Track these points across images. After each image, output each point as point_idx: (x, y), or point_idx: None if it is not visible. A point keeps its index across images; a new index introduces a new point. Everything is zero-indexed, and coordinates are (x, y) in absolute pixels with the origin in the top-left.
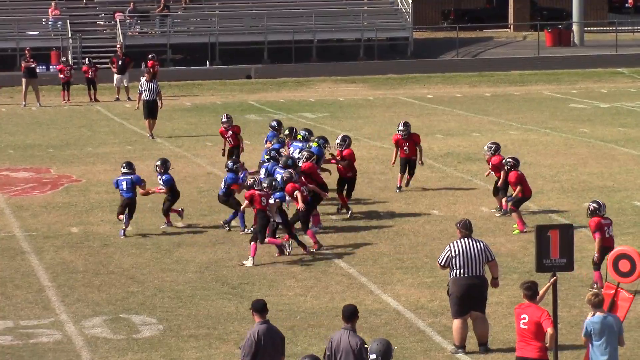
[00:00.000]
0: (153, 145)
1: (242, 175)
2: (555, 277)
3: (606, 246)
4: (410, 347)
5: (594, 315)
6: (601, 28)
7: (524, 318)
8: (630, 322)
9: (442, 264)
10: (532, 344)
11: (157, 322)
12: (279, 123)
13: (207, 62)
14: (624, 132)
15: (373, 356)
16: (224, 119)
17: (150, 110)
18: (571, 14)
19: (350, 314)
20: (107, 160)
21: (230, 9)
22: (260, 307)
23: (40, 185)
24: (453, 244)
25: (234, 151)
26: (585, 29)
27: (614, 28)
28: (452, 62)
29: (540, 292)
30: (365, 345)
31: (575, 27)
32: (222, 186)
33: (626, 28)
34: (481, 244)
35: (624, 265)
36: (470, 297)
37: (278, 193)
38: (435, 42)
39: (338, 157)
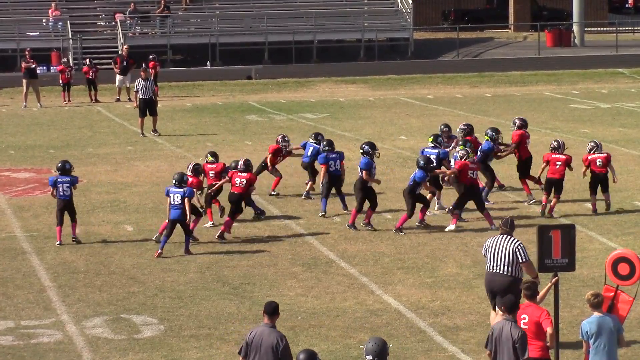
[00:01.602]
0: (154, 145)
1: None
2: (556, 277)
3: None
4: (411, 347)
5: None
6: (602, 28)
7: (524, 318)
8: (631, 322)
9: (483, 252)
10: (533, 343)
11: (158, 322)
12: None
13: (208, 63)
14: (625, 133)
15: (369, 357)
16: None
17: (146, 108)
18: (572, 15)
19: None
20: (108, 161)
21: (231, 10)
22: (267, 310)
23: (42, 186)
24: (491, 238)
25: None
26: (586, 29)
27: (615, 28)
28: (452, 62)
29: (542, 292)
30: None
31: (575, 28)
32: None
33: (627, 28)
34: (513, 244)
35: (624, 269)
36: (491, 292)
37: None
38: (435, 43)
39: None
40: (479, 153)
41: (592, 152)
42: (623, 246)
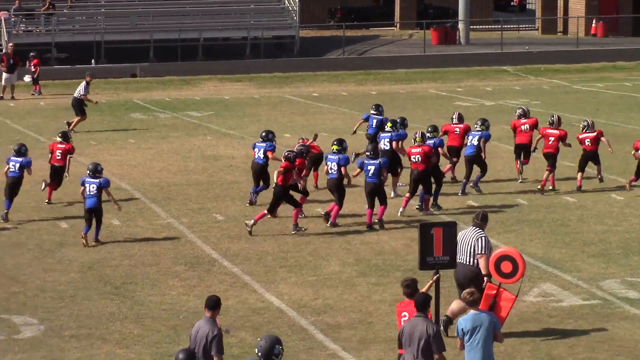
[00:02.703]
0: (37, 144)
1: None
2: (438, 275)
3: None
4: (293, 345)
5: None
6: (487, 26)
7: (405, 315)
8: (511, 320)
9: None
10: None
11: (39, 322)
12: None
13: (93, 61)
14: (508, 130)
15: (259, 353)
16: None
17: None
18: (457, 13)
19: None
20: None
21: (116, 7)
22: (207, 304)
23: None
24: (461, 231)
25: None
26: (471, 27)
27: (500, 26)
28: (338, 60)
29: (423, 290)
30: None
31: (461, 26)
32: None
33: (511, 26)
34: (476, 235)
35: (506, 267)
36: (456, 282)
37: None
38: (321, 41)
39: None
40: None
41: (583, 131)
42: (505, 244)
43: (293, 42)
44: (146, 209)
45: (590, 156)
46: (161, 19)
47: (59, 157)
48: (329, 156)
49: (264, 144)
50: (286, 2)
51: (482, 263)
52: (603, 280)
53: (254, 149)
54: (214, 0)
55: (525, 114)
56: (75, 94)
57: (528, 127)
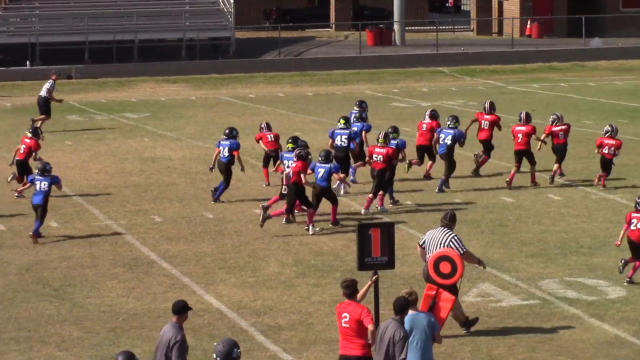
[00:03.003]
0: None
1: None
2: (376, 276)
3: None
4: None
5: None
6: (422, 27)
7: (345, 317)
8: (451, 320)
9: (420, 244)
10: (354, 341)
11: None
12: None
13: (28, 63)
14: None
15: (217, 358)
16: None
17: None
18: (392, 14)
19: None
20: None
21: (51, 9)
22: (174, 309)
23: None
24: (430, 230)
25: None
26: (407, 28)
27: (435, 27)
28: (274, 61)
29: (362, 291)
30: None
31: (396, 27)
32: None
33: (447, 27)
34: (449, 236)
35: (445, 267)
36: (426, 281)
37: None
38: (257, 42)
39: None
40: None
41: (554, 124)
42: None
43: (229, 43)
44: (84, 211)
45: (558, 149)
46: (96, 21)
47: (22, 152)
48: (285, 155)
49: (228, 142)
50: (221, 3)
51: (469, 258)
52: (542, 280)
53: (218, 146)
54: (149, 2)
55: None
56: (42, 93)
57: (488, 123)
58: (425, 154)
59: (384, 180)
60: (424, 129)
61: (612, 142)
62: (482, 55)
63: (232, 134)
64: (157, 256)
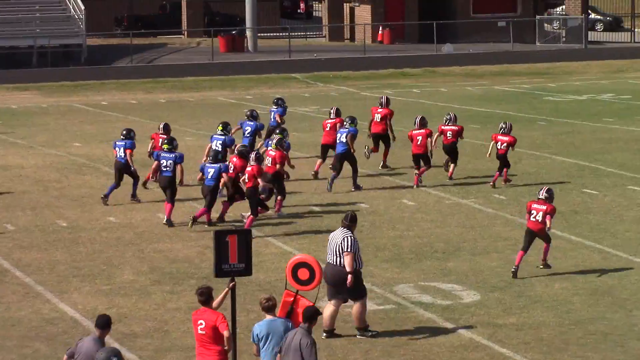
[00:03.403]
0: None
1: None
2: (233, 282)
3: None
4: None
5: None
6: (275, 34)
7: (201, 324)
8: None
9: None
10: (211, 348)
11: None
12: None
13: None
14: (298, 137)
15: None
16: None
17: None
18: (244, 20)
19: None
20: None
21: None
22: (97, 323)
23: None
24: (333, 232)
25: None
26: (259, 34)
27: (287, 34)
28: (126, 68)
29: (219, 298)
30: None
31: (248, 33)
32: None
33: (299, 34)
34: (343, 235)
35: (303, 274)
36: (326, 282)
37: None
38: (109, 49)
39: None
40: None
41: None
42: (298, 250)
43: (80, 50)
44: None
45: (450, 149)
46: None
47: None
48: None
49: (123, 142)
50: (72, 10)
51: (347, 261)
52: (397, 285)
53: (114, 147)
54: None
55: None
56: None
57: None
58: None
59: (279, 184)
60: (328, 128)
61: (505, 138)
62: (335, 61)
63: (129, 135)
64: (10, 265)
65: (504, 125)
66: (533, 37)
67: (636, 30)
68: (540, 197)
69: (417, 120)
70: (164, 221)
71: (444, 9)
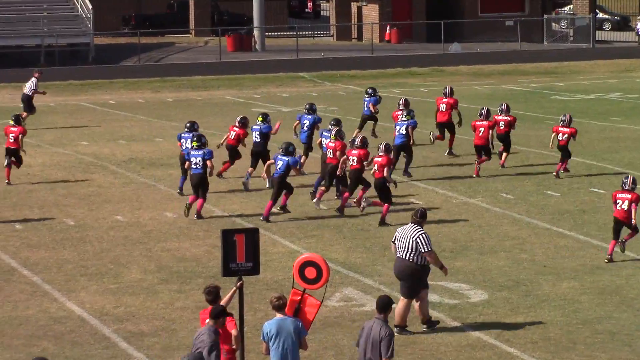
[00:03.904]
0: None
1: None
2: (241, 282)
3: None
4: (96, 354)
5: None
6: (282, 33)
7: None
8: (315, 325)
9: (392, 240)
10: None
11: None
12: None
13: None
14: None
15: None
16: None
17: None
18: (252, 19)
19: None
20: None
21: None
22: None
23: None
24: (401, 227)
25: None
26: (267, 34)
27: (295, 33)
28: (134, 67)
29: (226, 297)
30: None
31: (256, 32)
32: None
33: (306, 33)
34: (416, 233)
35: (310, 273)
36: (396, 276)
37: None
38: (117, 48)
39: None
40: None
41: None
42: (306, 249)
43: (88, 49)
44: None
45: (503, 139)
46: None
47: (12, 140)
48: (192, 152)
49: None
50: (80, 9)
51: (433, 259)
52: None
53: (179, 140)
54: (7, 8)
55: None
56: (25, 90)
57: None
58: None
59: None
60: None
61: (566, 129)
62: (342, 60)
63: (193, 127)
64: (18, 264)
65: (564, 118)
66: (541, 37)
67: None
68: (626, 187)
69: (483, 111)
70: (195, 216)
71: (452, 9)
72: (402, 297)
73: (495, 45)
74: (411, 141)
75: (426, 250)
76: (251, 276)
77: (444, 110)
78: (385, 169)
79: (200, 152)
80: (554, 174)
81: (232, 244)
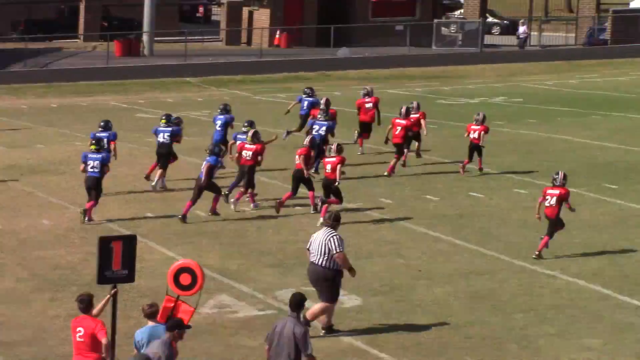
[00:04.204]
0: None
1: None
2: (115, 290)
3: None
4: None
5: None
6: (172, 38)
7: (80, 331)
8: (187, 332)
9: (307, 247)
10: (88, 356)
11: None
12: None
13: None
14: (191, 141)
15: None
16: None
17: None
18: (142, 24)
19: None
20: None
21: None
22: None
23: None
24: (315, 233)
25: None
26: (157, 38)
27: (185, 37)
28: (19, 73)
29: (100, 305)
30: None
31: (145, 37)
32: None
33: (196, 37)
34: (327, 235)
35: (185, 279)
36: (310, 281)
37: None
38: (3, 54)
39: None
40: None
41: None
42: (182, 255)
43: None
44: None
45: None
46: None
47: None
48: (90, 155)
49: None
50: None
51: (339, 261)
52: (279, 290)
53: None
54: None
55: (368, 94)
56: None
57: (371, 105)
58: None
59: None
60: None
61: (477, 127)
62: (230, 65)
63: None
64: None
65: (477, 117)
66: (430, 41)
67: (532, 34)
68: (557, 183)
69: (403, 110)
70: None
71: (343, 13)
72: (325, 303)
73: (384, 50)
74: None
75: (337, 251)
76: (126, 284)
77: (370, 108)
78: (338, 167)
79: (99, 155)
80: (461, 166)
81: (109, 251)
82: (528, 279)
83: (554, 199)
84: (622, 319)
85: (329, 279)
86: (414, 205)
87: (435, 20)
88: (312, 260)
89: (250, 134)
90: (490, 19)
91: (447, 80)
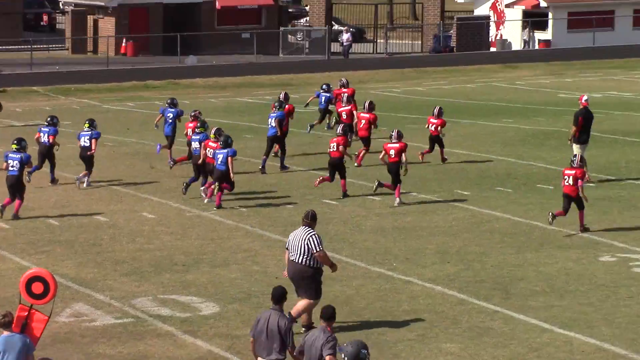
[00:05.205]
0: None
1: None
2: None
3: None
4: None
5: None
6: (16, 47)
7: None
8: (44, 341)
9: (286, 247)
10: None
11: None
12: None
13: None
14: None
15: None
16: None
17: None
18: None
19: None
20: None
21: None
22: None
23: None
24: (293, 232)
25: None
26: (1, 47)
27: (30, 46)
28: None
29: None
30: None
31: None
32: None
33: (42, 46)
34: (306, 234)
35: (37, 288)
36: (290, 279)
37: None
38: None
39: None
40: None
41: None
42: (37, 265)
43: None
44: None
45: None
46: None
47: None
48: (10, 154)
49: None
50: None
51: (320, 259)
52: (135, 299)
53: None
54: None
55: (344, 85)
56: None
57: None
58: None
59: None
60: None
61: (435, 121)
62: (77, 74)
63: (52, 121)
64: None
65: (435, 111)
66: (277, 49)
67: (379, 41)
68: (574, 164)
69: (367, 104)
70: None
71: (189, 22)
72: (309, 300)
73: (231, 58)
74: (279, 133)
75: (317, 250)
76: None
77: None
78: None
79: (18, 155)
80: (443, 158)
81: None
82: (385, 285)
83: (571, 178)
84: (479, 323)
85: (310, 276)
86: (267, 213)
87: (282, 28)
88: (291, 259)
89: (213, 131)
90: (336, 27)
91: (294, 88)
